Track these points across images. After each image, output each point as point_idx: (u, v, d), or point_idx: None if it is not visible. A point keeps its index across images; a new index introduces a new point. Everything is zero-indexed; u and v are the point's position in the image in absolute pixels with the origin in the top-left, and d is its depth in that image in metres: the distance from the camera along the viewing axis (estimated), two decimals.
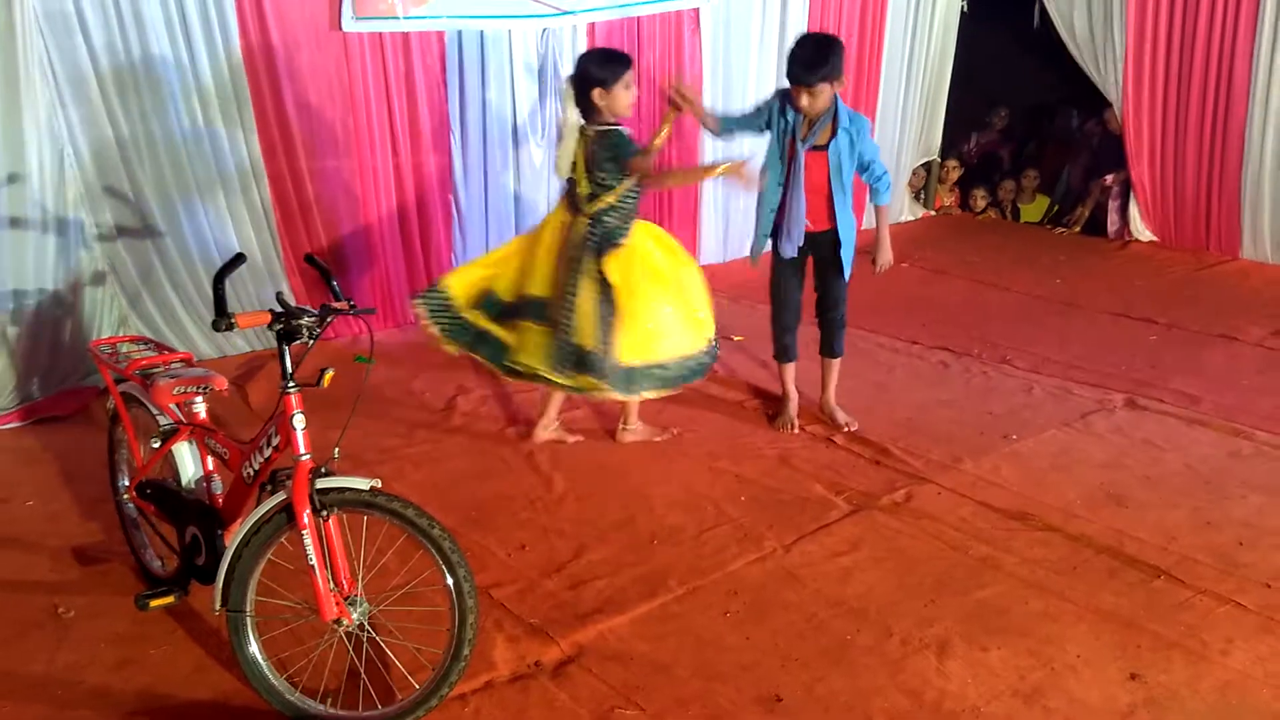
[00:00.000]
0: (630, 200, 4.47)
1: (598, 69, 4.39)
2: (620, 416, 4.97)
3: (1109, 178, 8.76)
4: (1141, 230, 8.63)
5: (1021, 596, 3.66)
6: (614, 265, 4.45)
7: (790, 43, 4.86)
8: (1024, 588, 3.72)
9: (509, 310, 4.59)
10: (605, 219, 4.46)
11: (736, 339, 6.36)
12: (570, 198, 4.56)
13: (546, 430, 4.95)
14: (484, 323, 4.62)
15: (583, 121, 4.48)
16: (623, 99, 4.39)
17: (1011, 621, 3.52)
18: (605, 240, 4.46)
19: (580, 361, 4.41)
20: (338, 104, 6.00)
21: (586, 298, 4.42)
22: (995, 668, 3.28)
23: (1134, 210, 8.64)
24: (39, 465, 4.71)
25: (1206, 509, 4.28)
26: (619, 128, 4.43)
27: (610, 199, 4.43)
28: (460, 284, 4.68)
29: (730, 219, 8.20)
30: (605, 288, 4.43)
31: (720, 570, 3.84)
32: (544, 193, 7.04)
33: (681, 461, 4.76)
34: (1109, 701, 3.12)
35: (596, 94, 4.36)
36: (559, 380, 4.48)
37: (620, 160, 4.37)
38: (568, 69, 6.80)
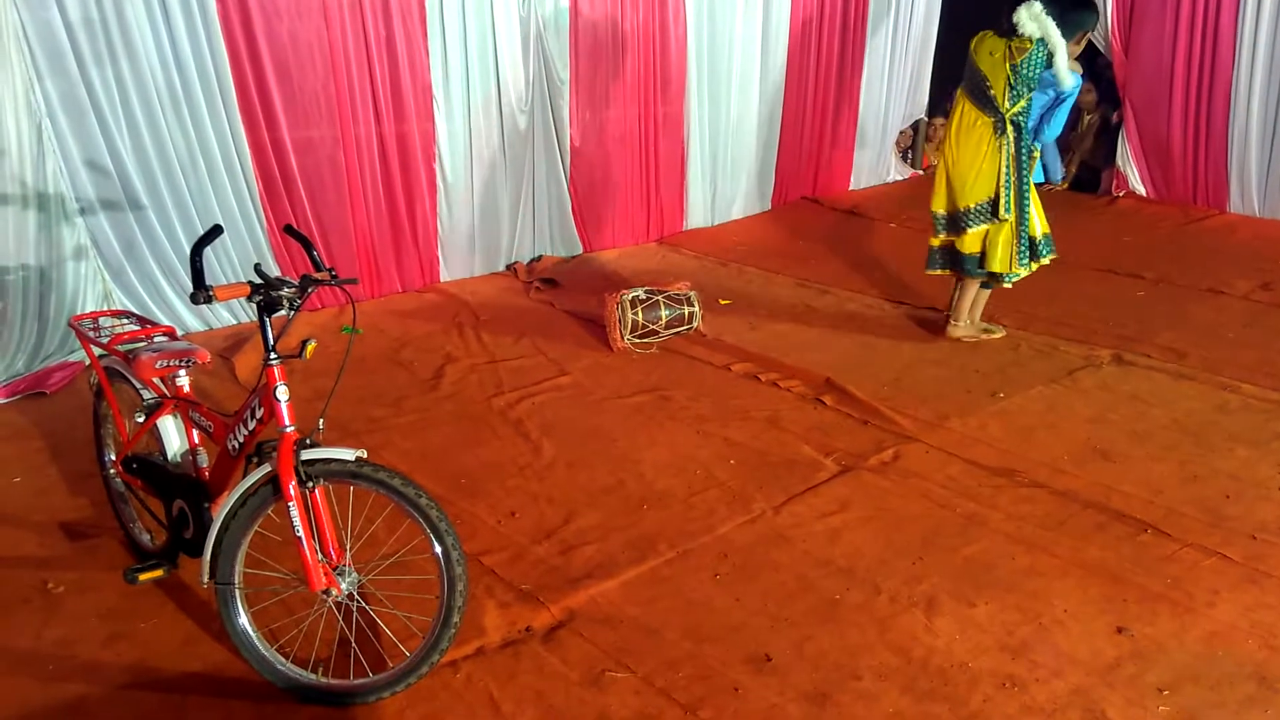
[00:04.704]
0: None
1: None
2: (950, 311, 5.72)
3: (1116, 114, 8.72)
4: (1136, 180, 8.58)
5: (1008, 552, 3.68)
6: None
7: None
8: (1011, 544, 3.74)
9: (952, 222, 5.48)
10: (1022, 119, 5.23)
11: (723, 303, 6.35)
12: (984, 98, 5.20)
13: (968, 328, 5.72)
14: (936, 241, 5.62)
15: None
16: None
17: (998, 577, 3.54)
18: (1030, 144, 5.29)
19: (1033, 247, 5.38)
20: (319, 72, 5.94)
21: (1035, 196, 5.40)
22: (982, 623, 3.30)
23: (1128, 157, 8.58)
24: (25, 441, 4.70)
25: (1193, 462, 4.30)
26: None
27: (1023, 103, 5.19)
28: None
29: (718, 186, 8.17)
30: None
31: (710, 533, 3.86)
32: (529, 157, 7.00)
33: (670, 425, 4.77)
34: (1095, 655, 3.14)
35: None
36: (1024, 272, 5.39)
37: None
38: (550, 31, 6.75)
